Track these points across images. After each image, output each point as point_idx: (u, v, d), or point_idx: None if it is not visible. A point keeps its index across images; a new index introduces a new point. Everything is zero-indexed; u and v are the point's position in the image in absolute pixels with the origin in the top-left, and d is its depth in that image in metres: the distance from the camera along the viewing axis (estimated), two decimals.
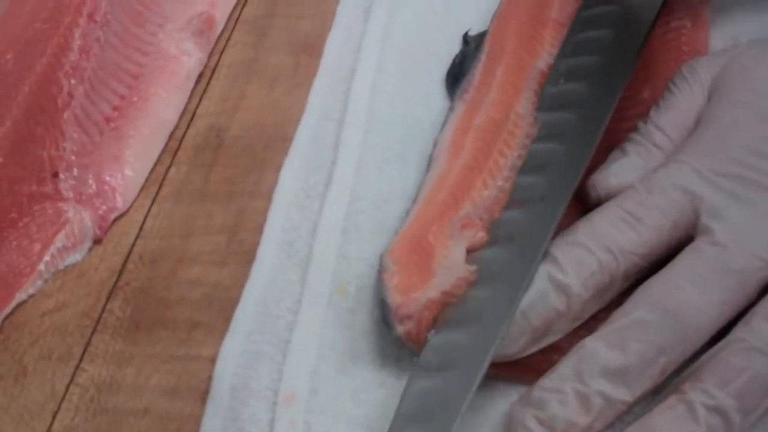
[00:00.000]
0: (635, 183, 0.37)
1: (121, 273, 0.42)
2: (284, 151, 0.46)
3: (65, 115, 0.46)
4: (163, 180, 0.46)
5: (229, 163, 0.46)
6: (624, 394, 0.32)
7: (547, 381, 0.33)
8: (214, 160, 0.46)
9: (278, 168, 0.45)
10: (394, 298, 0.36)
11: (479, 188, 0.40)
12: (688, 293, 0.33)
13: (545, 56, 0.46)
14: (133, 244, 0.43)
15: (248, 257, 0.41)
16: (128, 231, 0.43)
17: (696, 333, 0.33)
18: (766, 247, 0.34)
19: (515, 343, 0.34)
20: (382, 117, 0.47)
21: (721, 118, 0.39)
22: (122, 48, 0.50)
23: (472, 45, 0.49)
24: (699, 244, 0.35)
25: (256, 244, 0.42)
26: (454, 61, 0.49)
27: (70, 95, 0.46)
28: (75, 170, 0.44)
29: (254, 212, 0.43)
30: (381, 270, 0.38)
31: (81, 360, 0.38)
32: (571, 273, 0.34)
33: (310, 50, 0.51)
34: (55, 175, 0.44)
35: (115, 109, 0.47)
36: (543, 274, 0.34)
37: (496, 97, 0.44)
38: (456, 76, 0.48)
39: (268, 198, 0.44)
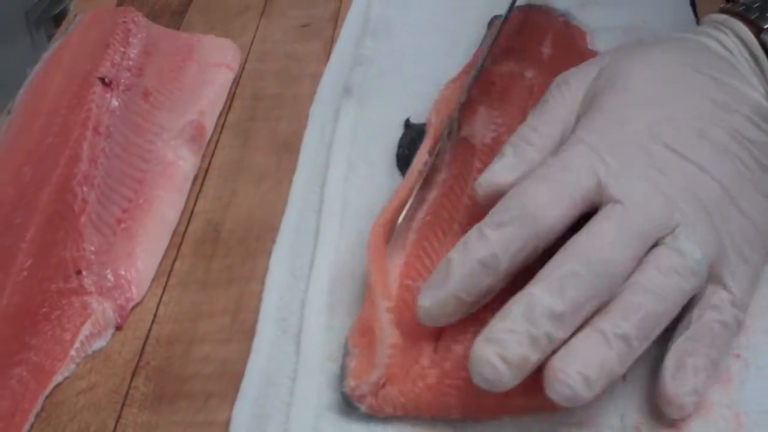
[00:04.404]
0: (548, 158, 0.44)
1: (141, 354, 0.48)
2: (273, 240, 0.53)
3: (82, 220, 0.52)
4: (171, 271, 0.52)
5: (226, 254, 0.53)
6: (563, 333, 0.39)
7: (502, 324, 0.39)
8: (213, 252, 0.53)
9: (269, 255, 0.52)
10: (348, 383, 0.43)
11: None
12: (607, 251, 0.40)
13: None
14: (150, 329, 0.49)
15: (250, 334, 0.48)
16: (144, 317, 0.50)
17: (615, 282, 0.40)
18: (661, 212, 0.42)
19: (450, 317, 0.42)
20: (354, 205, 0.54)
21: (609, 108, 0.46)
22: (125, 156, 0.57)
23: (413, 130, 0.57)
24: (609, 211, 0.42)
25: (255, 322, 0.48)
26: (400, 143, 0.57)
27: (85, 201, 0.53)
28: (95, 267, 0.51)
29: (251, 295, 0.50)
30: (344, 354, 0.45)
31: (114, 431, 0.45)
32: (501, 253, 0.41)
33: (290, 148, 0.59)
34: (79, 272, 0.50)
35: (124, 211, 0.54)
36: (474, 255, 0.41)
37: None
38: (407, 158, 0.55)
39: (262, 281, 0.51)
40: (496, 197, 0.45)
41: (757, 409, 0.41)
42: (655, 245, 0.42)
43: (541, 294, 0.39)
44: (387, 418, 0.43)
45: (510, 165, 0.47)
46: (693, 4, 0.64)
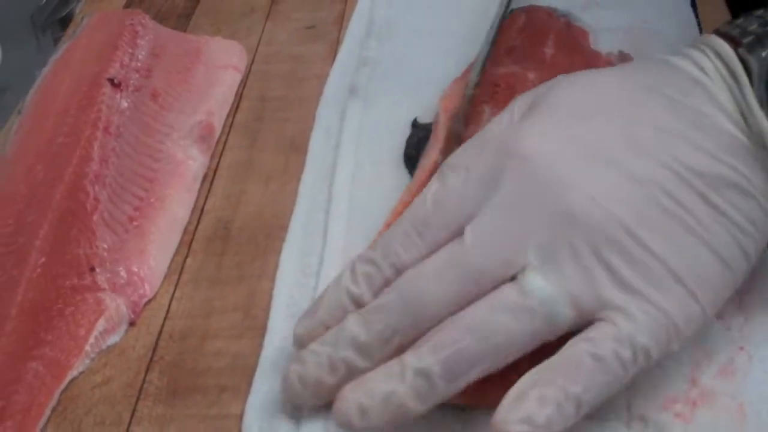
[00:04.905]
0: (426, 197, 0.43)
1: (155, 349, 0.49)
2: (282, 238, 0.54)
3: (95, 218, 0.53)
4: (182, 268, 0.53)
5: (236, 251, 0.54)
6: (367, 362, 0.40)
7: (313, 345, 0.41)
8: (223, 250, 0.54)
9: (278, 253, 0.53)
10: None
11: None
12: (427, 285, 0.39)
13: None
14: (163, 325, 0.50)
15: (261, 330, 0.49)
16: (157, 313, 0.51)
17: (428, 318, 0.39)
18: (507, 250, 0.39)
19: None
20: (361, 204, 0.55)
21: (506, 135, 0.43)
22: (136, 156, 0.58)
23: (421, 129, 0.58)
24: (448, 247, 0.41)
25: (267, 318, 0.49)
26: (407, 143, 0.58)
27: (96, 200, 0.54)
28: (108, 264, 0.52)
29: (262, 292, 0.51)
30: None
31: (130, 424, 0.45)
32: (363, 286, 0.42)
33: (297, 149, 0.60)
34: (92, 269, 0.51)
35: (136, 209, 0.55)
36: (343, 287, 0.42)
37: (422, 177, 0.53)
38: (415, 158, 0.56)
39: (273, 279, 0.51)
40: None
41: (759, 399, 0.42)
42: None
43: (352, 322, 0.41)
44: None
45: None
46: (694, 5, 0.65)
